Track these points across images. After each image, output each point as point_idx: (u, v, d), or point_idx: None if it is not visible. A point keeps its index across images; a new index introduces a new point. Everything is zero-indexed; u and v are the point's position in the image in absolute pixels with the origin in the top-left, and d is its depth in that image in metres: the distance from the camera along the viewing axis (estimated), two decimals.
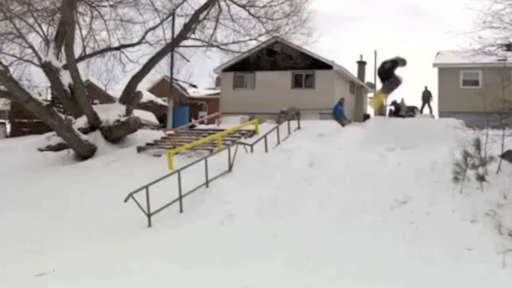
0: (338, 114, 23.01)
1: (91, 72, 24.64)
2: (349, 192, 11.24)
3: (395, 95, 37.90)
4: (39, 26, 19.83)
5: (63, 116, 17.72)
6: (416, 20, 78.46)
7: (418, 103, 31.42)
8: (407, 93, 60.54)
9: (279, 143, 15.52)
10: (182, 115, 26.89)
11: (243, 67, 27.63)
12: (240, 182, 12.32)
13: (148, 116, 28.39)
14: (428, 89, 30.04)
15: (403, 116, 26.47)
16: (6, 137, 26.50)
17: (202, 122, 26.52)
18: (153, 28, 22.09)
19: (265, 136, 14.92)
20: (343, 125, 21.17)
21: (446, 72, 27.03)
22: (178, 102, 34.28)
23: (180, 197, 11.50)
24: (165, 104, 31.62)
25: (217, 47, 22.62)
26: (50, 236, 10.43)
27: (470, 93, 21.49)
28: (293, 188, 11.83)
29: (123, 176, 14.01)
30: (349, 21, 77.56)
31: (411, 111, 29.99)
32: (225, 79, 29.65)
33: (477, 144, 10.76)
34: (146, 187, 10.85)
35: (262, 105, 25.99)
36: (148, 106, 31.75)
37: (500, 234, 8.89)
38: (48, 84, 22.25)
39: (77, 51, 20.17)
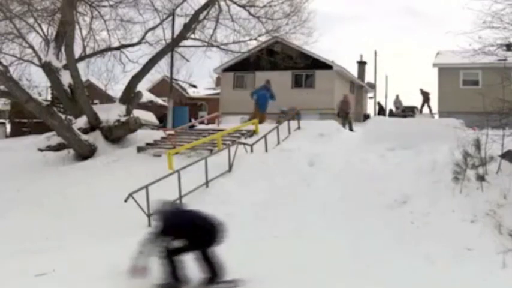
0: (261, 104, 19.42)
1: (91, 72, 24.77)
2: (349, 192, 11.25)
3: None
4: (39, 26, 19.84)
5: (63, 116, 17.71)
6: (416, 20, 78.56)
7: (417, 103, 31.59)
8: (408, 93, 60.84)
9: (279, 143, 15.52)
10: (182, 115, 26.89)
11: (243, 67, 27.64)
12: (240, 182, 12.32)
13: (149, 116, 28.38)
14: (425, 89, 30.19)
15: (405, 116, 26.49)
16: (6, 137, 26.52)
17: (202, 122, 26.50)
18: (153, 28, 22.11)
19: (265, 136, 14.93)
20: (261, 121, 18.43)
21: (446, 72, 27.05)
22: (178, 102, 34.28)
23: (180, 197, 11.50)
24: (165, 104, 31.62)
25: (217, 47, 22.63)
26: (50, 236, 10.43)
27: (470, 93, 21.47)
28: (293, 188, 11.83)
29: (123, 176, 14.01)
30: (349, 21, 77.67)
31: (411, 111, 30.04)
32: (225, 79, 29.67)
33: (477, 144, 10.75)
34: (146, 187, 10.85)
35: None
36: (148, 106, 31.74)
37: (500, 234, 8.89)
38: (48, 84, 22.27)
39: (77, 51, 20.20)
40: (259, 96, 20.13)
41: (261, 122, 18.47)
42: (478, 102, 10.84)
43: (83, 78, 20.56)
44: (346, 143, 14.94)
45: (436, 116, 27.38)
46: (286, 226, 10.10)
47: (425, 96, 29.99)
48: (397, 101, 31.99)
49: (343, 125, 21.34)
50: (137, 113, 21.62)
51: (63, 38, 18.63)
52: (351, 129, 20.96)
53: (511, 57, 12.07)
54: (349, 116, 23.01)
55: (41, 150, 17.84)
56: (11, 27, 18.99)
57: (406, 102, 32.09)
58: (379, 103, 32.95)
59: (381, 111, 31.56)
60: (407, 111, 29.68)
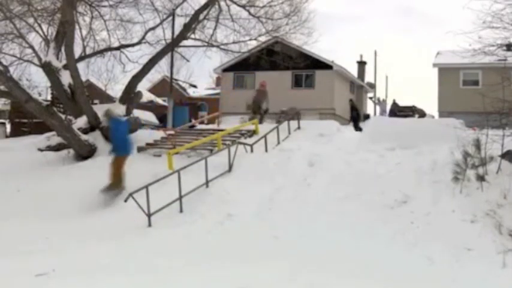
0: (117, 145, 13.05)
1: (91, 72, 24.59)
2: (349, 192, 11.25)
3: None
4: (39, 26, 19.82)
5: (63, 116, 17.71)
6: (417, 20, 78.56)
7: (416, 104, 31.53)
8: (408, 93, 60.83)
9: (279, 143, 15.52)
10: (182, 115, 26.88)
11: (243, 67, 27.64)
12: (240, 182, 12.32)
13: (148, 116, 28.37)
14: (419, 107, 29.98)
15: (405, 116, 26.41)
16: (6, 137, 26.46)
17: (202, 122, 26.50)
18: (153, 28, 22.09)
19: (265, 136, 14.93)
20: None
21: (446, 72, 27.08)
22: (178, 102, 34.29)
23: (180, 197, 11.50)
24: (165, 104, 31.61)
25: (217, 47, 22.61)
26: (50, 236, 10.42)
27: (470, 93, 21.50)
28: (293, 188, 11.83)
29: None
30: (349, 21, 77.68)
31: (410, 111, 29.97)
32: (225, 79, 29.68)
33: (477, 144, 10.76)
34: (146, 187, 10.85)
35: None
36: (148, 106, 31.73)
37: (500, 234, 8.90)
38: (48, 84, 22.25)
39: (77, 51, 20.17)
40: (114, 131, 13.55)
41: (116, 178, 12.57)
42: (478, 102, 10.84)
43: (83, 78, 20.53)
44: (346, 143, 14.93)
45: (436, 116, 27.41)
46: (286, 226, 10.10)
47: (421, 114, 29.68)
48: (380, 104, 31.64)
49: (260, 121, 18.34)
50: (137, 113, 21.61)
51: (63, 38, 18.62)
52: (260, 122, 18.07)
53: (511, 57, 12.08)
54: (261, 110, 20.04)
55: (41, 150, 17.80)
56: (11, 27, 18.97)
57: (406, 102, 32.05)
58: (351, 100, 27.77)
59: (354, 110, 26.59)
60: (407, 111, 29.62)
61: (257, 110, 19.77)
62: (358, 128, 22.25)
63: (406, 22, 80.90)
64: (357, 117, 25.14)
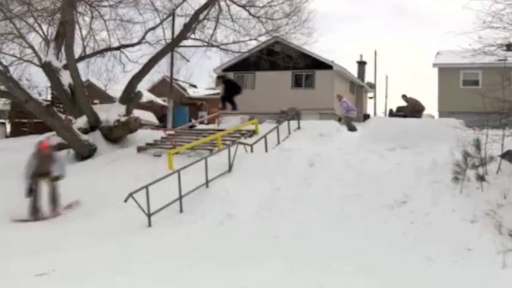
0: None
1: (91, 72, 24.63)
2: (349, 192, 11.25)
3: None
4: (39, 26, 19.85)
5: (63, 116, 17.72)
6: (417, 20, 78.57)
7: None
8: (407, 93, 60.73)
9: (279, 143, 15.52)
10: (182, 115, 26.89)
11: (243, 67, 27.65)
12: (240, 182, 12.32)
13: (149, 116, 28.37)
14: (409, 96, 28.94)
15: (405, 116, 26.18)
16: (6, 137, 26.47)
17: (202, 122, 26.49)
18: (153, 28, 22.11)
19: (265, 136, 14.93)
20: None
21: (446, 72, 27.06)
22: (178, 102, 34.28)
23: (180, 197, 11.50)
24: (165, 104, 31.62)
25: (217, 47, 22.63)
26: (50, 236, 10.43)
27: (470, 93, 21.45)
28: (293, 188, 11.83)
29: (123, 176, 14.01)
30: (349, 21, 77.70)
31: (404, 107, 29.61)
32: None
33: (477, 144, 10.75)
34: (146, 187, 10.85)
35: (262, 105, 26.00)
36: (148, 106, 31.73)
37: (500, 234, 8.89)
38: (48, 84, 22.29)
39: (77, 51, 20.19)
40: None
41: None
42: (478, 102, 10.83)
43: (83, 78, 20.55)
44: (346, 143, 14.93)
45: (436, 116, 27.35)
46: (286, 226, 10.10)
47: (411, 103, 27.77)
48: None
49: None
50: (137, 113, 21.62)
51: (63, 38, 18.64)
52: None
53: (511, 57, 12.08)
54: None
55: None
56: (11, 27, 18.99)
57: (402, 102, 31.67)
58: (222, 98, 23.57)
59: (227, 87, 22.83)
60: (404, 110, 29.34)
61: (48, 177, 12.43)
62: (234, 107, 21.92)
63: (406, 22, 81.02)
64: (226, 97, 22.23)
